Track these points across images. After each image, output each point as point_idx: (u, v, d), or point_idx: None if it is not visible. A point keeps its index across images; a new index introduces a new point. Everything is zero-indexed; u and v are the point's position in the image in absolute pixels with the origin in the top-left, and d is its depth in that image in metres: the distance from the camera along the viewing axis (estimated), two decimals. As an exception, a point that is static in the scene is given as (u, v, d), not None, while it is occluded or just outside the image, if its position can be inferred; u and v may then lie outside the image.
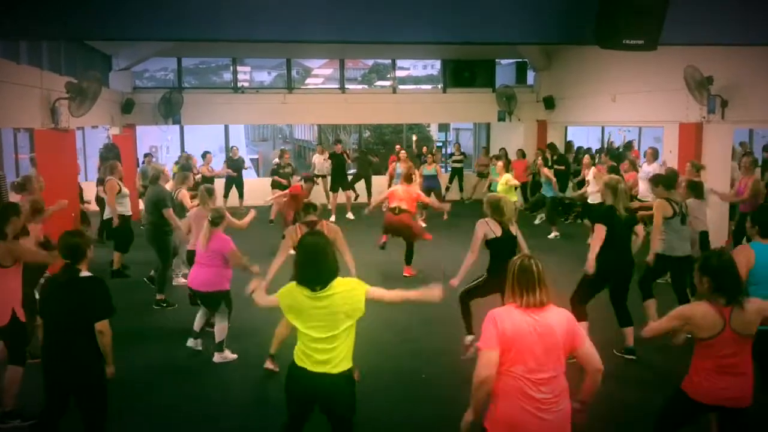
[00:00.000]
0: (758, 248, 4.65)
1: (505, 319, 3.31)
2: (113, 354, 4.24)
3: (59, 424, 4.39)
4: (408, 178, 9.98)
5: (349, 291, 3.71)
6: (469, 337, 6.26)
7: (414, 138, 17.58)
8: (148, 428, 5.31)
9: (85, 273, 4.24)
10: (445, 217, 11.17)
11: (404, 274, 9.64)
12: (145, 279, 9.10)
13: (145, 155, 14.92)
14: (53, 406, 4.32)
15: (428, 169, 14.33)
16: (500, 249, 6.03)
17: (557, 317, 3.33)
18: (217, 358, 6.50)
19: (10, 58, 9.51)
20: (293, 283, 3.79)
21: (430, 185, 13.98)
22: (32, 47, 10.40)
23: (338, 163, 15.29)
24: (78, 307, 4.13)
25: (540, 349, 3.24)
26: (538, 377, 3.24)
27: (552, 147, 15.31)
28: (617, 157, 14.61)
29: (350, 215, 14.35)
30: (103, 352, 4.16)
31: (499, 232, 6.08)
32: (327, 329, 3.67)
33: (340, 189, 15.17)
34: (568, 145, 17.18)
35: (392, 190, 10.16)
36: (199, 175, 13.51)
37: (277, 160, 15.54)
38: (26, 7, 4.88)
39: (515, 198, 11.33)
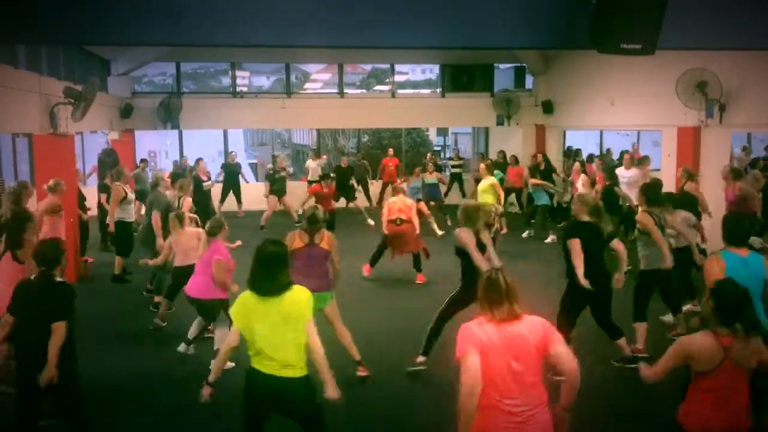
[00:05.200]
0: (729, 258, 4.29)
1: (477, 330, 3.28)
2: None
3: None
4: (398, 190, 10.27)
5: (298, 301, 3.73)
6: (421, 358, 6.12)
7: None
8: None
9: (59, 279, 4.42)
10: (449, 222, 11.24)
11: (417, 281, 9.76)
12: (144, 292, 8.96)
13: (141, 160, 14.88)
14: (28, 409, 4.39)
15: (429, 178, 14.17)
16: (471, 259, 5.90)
17: (530, 324, 3.29)
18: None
19: (8, 63, 9.52)
20: (246, 292, 3.79)
21: (432, 194, 13.96)
22: (31, 52, 10.41)
23: (344, 175, 15.43)
24: (49, 310, 4.27)
25: (514, 360, 3.20)
26: (513, 391, 3.19)
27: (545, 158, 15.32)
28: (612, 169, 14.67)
29: (371, 221, 13.90)
30: (49, 352, 4.20)
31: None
32: (278, 334, 3.68)
33: (344, 199, 15.21)
34: (568, 150, 17.17)
35: (391, 201, 10.17)
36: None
37: (270, 165, 15.59)
38: (25, 11, 4.88)
39: (492, 200, 11.21)
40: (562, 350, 3.27)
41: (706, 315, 3.53)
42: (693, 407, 3.53)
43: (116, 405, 5.74)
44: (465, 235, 5.92)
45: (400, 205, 9.83)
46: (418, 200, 13.13)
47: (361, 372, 6.15)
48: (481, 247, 5.94)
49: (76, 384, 4.46)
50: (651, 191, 6.67)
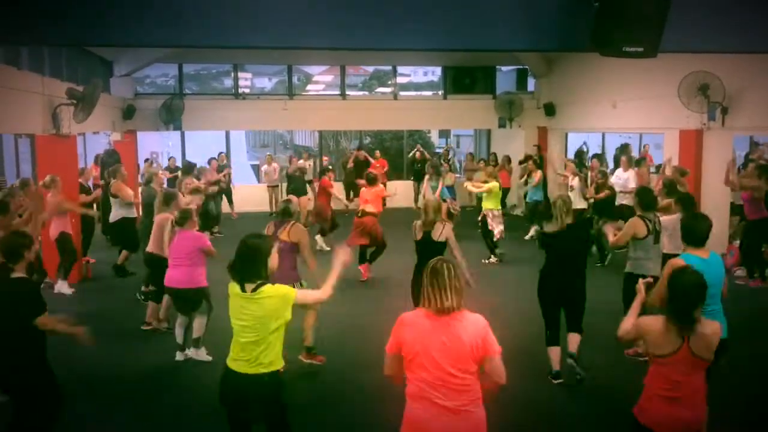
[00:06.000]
0: (689, 260, 4.26)
1: (410, 325, 3.30)
2: (69, 328, 4.36)
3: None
4: (372, 181, 10.39)
5: (280, 297, 3.69)
6: None
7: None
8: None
9: (17, 274, 4.18)
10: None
11: (362, 278, 9.83)
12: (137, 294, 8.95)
13: (145, 160, 14.95)
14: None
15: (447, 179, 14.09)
16: (420, 252, 6.35)
17: (468, 324, 3.25)
18: (192, 353, 6.51)
19: (11, 64, 9.53)
20: (232, 283, 3.82)
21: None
22: (33, 53, 10.43)
23: (363, 169, 15.42)
24: (8, 307, 4.08)
25: (446, 357, 3.19)
26: (444, 385, 3.19)
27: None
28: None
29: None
30: (64, 334, 4.20)
31: (419, 236, 6.34)
32: (256, 331, 3.67)
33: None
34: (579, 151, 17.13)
35: (363, 191, 10.41)
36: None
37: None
38: (25, 11, 4.89)
39: (497, 206, 11.12)
40: (497, 364, 3.26)
41: (663, 303, 3.54)
42: (649, 403, 3.50)
43: (116, 402, 5.76)
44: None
45: (368, 196, 10.06)
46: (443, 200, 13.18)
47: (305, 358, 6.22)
48: (429, 243, 6.31)
49: (57, 394, 4.23)
50: (646, 196, 6.49)
